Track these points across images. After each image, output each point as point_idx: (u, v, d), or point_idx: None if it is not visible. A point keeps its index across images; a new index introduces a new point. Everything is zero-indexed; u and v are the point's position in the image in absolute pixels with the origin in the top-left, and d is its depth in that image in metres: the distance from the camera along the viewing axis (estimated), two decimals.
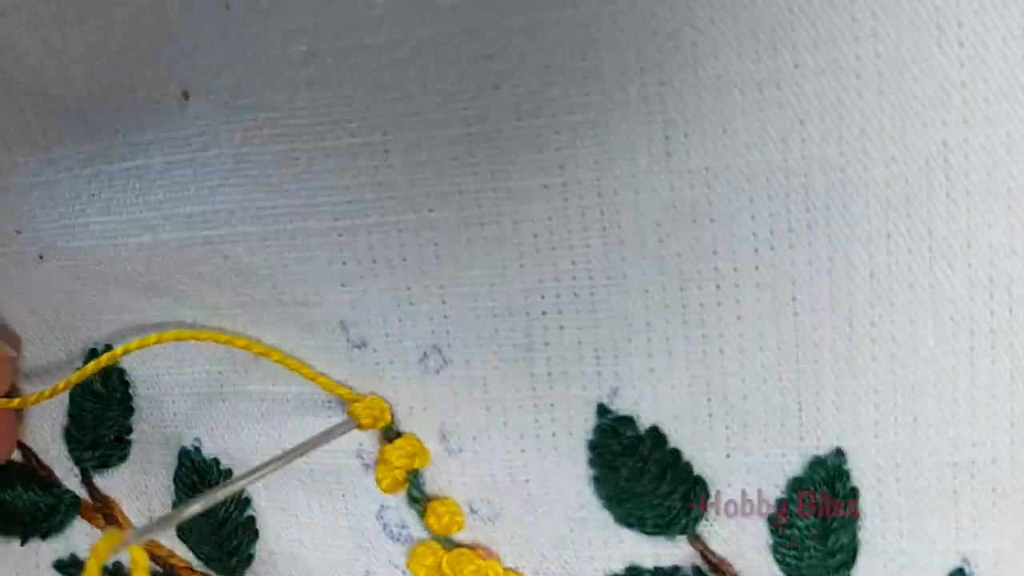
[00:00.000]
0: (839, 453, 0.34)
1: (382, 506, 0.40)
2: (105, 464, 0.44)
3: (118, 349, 0.39)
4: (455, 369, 0.37)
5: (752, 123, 0.31)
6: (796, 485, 0.35)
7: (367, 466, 0.39)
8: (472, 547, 0.39)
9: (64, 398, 0.43)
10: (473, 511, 0.39)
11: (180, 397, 0.42)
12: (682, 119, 0.31)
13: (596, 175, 0.33)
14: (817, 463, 0.34)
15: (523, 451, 0.37)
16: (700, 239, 0.33)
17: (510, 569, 0.39)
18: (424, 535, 0.40)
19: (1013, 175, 0.30)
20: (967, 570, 0.34)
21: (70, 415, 0.44)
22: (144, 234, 0.39)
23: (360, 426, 0.38)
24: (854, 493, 0.34)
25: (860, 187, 0.31)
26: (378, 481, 0.39)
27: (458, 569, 0.39)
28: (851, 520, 0.35)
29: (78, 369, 0.41)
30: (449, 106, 0.33)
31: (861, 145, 0.30)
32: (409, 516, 0.40)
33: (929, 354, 0.32)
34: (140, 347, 0.39)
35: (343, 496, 0.40)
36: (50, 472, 0.45)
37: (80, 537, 0.45)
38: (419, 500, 0.39)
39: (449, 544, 0.39)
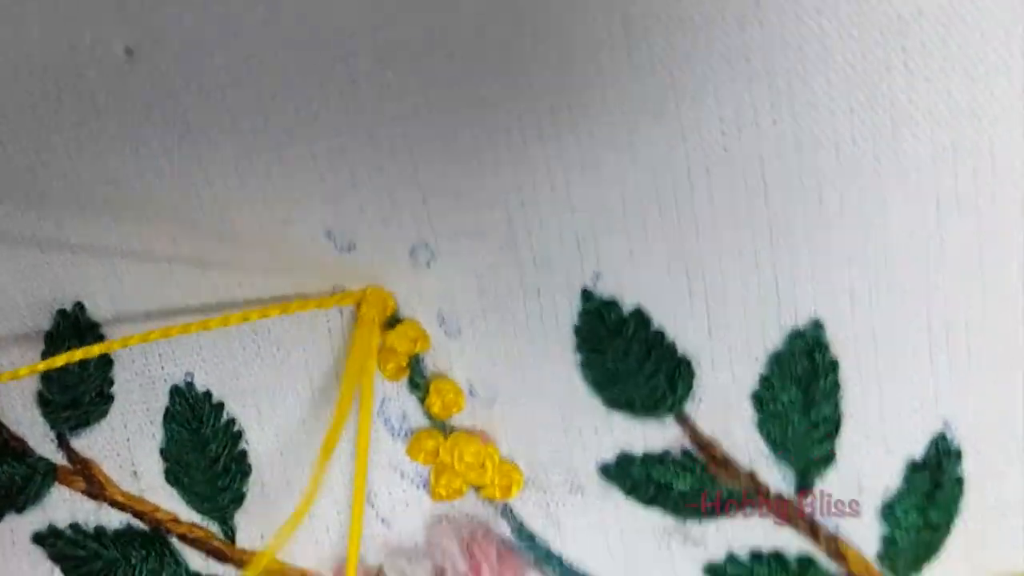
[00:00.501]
0: (817, 324, 0.35)
1: (383, 400, 0.41)
2: (85, 423, 0.43)
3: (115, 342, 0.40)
4: (444, 260, 0.38)
5: (708, 9, 0.31)
6: (777, 359, 0.36)
7: None
8: (471, 432, 0.40)
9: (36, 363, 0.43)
10: (472, 393, 0.40)
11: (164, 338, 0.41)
12: (640, 13, 0.32)
13: (560, 75, 0.33)
14: (796, 335, 0.35)
15: (516, 335, 0.38)
16: (667, 126, 0.33)
17: (506, 460, 0.40)
18: (424, 423, 0.41)
19: (969, 42, 0.30)
20: (949, 433, 0.36)
21: (44, 379, 0.43)
22: (109, 186, 0.39)
23: (367, 318, 0.38)
24: (834, 366, 0.35)
25: (820, 64, 0.31)
26: (382, 368, 0.40)
27: (457, 452, 0.40)
28: (833, 391, 0.36)
29: (46, 332, 0.42)
30: (408, 24, 0.33)
31: (818, 24, 0.31)
32: (410, 405, 0.41)
33: (899, 223, 0.33)
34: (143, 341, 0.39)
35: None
36: (22, 442, 0.44)
37: (58, 505, 0.45)
38: (420, 385, 0.40)
39: (448, 430, 0.41)
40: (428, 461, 0.41)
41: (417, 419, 0.41)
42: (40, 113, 0.38)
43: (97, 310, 0.42)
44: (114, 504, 0.44)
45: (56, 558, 0.45)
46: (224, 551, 0.44)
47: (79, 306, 0.41)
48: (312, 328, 0.40)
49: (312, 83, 0.35)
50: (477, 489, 0.41)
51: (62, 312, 0.42)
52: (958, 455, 0.36)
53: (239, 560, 0.44)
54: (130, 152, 0.38)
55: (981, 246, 0.33)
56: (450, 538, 0.41)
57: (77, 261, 0.41)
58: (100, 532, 0.44)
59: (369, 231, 0.38)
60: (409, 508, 0.42)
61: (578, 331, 0.37)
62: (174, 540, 0.44)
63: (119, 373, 0.42)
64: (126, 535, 0.44)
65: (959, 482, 0.36)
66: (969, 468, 0.36)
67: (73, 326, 0.42)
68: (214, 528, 0.44)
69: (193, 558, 0.44)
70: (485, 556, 0.40)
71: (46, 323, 0.42)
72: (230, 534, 0.44)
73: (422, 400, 0.40)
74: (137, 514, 0.44)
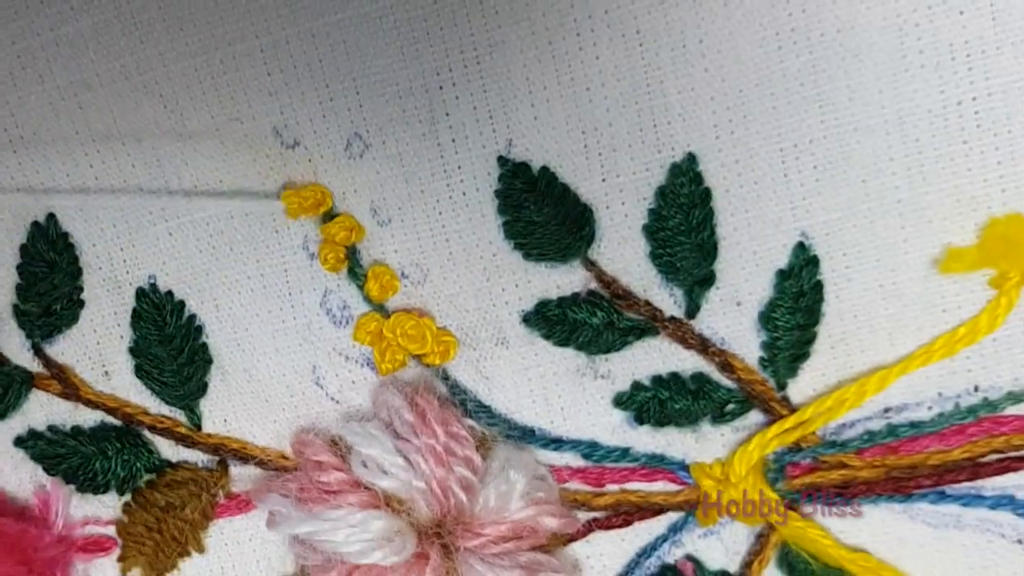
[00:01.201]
0: (691, 157, 0.42)
1: (325, 292, 0.46)
2: (58, 330, 0.48)
3: None
4: (375, 151, 0.44)
5: None
6: (661, 192, 0.42)
7: (312, 255, 0.46)
8: (407, 311, 0.46)
9: (11, 277, 0.48)
10: (405, 276, 0.46)
11: (128, 244, 0.47)
12: None
13: None
14: (675, 169, 0.42)
15: (441, 213, 0.44)
16: None
17: (441, 328, 0.46)
18: (364, 309, 0.46)
19: None
20: (806, 242, 0.42)
21: (19, 290, 0.48)
22: (83, 92, 0.44)
23: (303, 210, 0.44)
24: (707, 193, 0.42)
25: None
26: (323, 260, 0.45)
27: (398, 330, 0.46)
28: (709, 217, 0.42)
29: (22, 245, 0.47)
30: None
31: None
32: (350, 295, 0.46)
33: (748, 58, 0.40)
34: None
35: (290, 294, 0.47)
36: (0, 355, 0.49)
37: (35, 411, 0.50)
38: (359, 274, 0.45)
39: (386, 313, 0.46)
40: (373, 342, 0.46)
41: (357, 307, 0.46)
42: (20, 19, 0.43)
43: (67, 220, 0.46)
44: (88, 403, 0.48)
45: (37, 458, 0.49)
46: (191, 437, 0.49)
47: (51, 217, 0.46)
48: (261, 229, 0.46)
49: None
50: (418, 358, 0.46)
51: (35, 224, 0.46)
52: (816, 261, 0.42)
53: (206, 444, 0.49)
54: (101, 52, 0.43)
55: (815, 74, 0.40)
56: (394, 394, 0.46)
57: (50, 169, 0.45)
58: (77, 431, 0.49)
59: (310, 125, 0.43)
60: (356, 385, 0.47)
61: (499, 194, 0.43)
62: (144, 432, 0.49)
63: (87, 279, 0.47)
64: (101, 431, 0.49)
65: (818, 286, 0.43)
66: (825, 273, 0.43)
67: (45, 237, 0.46)
68: (181, 417, 0.48)
69: (163, 446, 0.49)
70: (429, 404, 0.46)
71: (20, 236, 0.47)
72: (196, 421, 0.48)
73: (361, 287, 0.46)
74: (109, 411, 0.49)
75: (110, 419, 0.49)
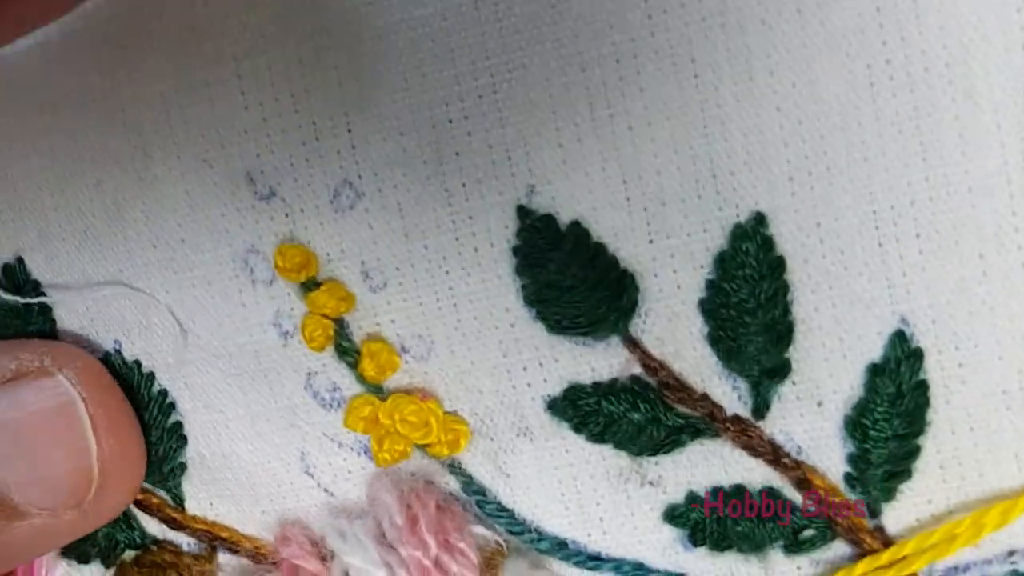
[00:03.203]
0: (759, 217, 0.33)
1: (309, 374, 0.39)
2: None
3: None
4: (368, 201, 0.36)
5: None
6: (722, 259, 0.34)
7: (286, 333, 0.39)
8: (408, 391, 0.38)
9: None
10: (405, 350, 0.38)
11: (93, 301, 0.41)
12: None
13: None
14: (739, 231, 0.34)
15: (448, 272, 0.37)
16: (593, 13, 0.33)
17: (449, 413, 0.38)
18: (357, 390, 0.39)
19: None
20: (907, 331, 0.34)
21: None
22: (48, 115, 0.39)
23: (285, 272, 0.38)
24: (780, 263, 0.34)
25: None
26: (309, 339, 0.38)
27: (396, 415, 0.38)
28: (782, 291, 0.34)
29: None
30: None
31: None
32: (339, 375, 0.39)
33: (832, 96, 0.32)
34: None
35: (265, 376, 0.40)
36: None
37: None
38: (350, 350, 0.38)
39: (383, 394, 0.39)
40: (368, 430, 0.39)
41: (349, 387, 0.39)
42: None
43: (36, 267, 0.41)
44: None
45: None
46: (176, 519, 0.43)
47: (20, 261, 0.41)
48: (225, 302, 0.39)
49: None
50: (423, 448, 0.39)
51: (5, 267, 0.41)
52: (919, 355, 0.34)
53: (192, 528, 0.43)
54: (69, 66, 0.38)
55: (917, 118, 0.32)
56: (388, 491, 0.39)
57: (15, 214, 0.41)
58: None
59: (291, 171, 0.37)
60: (352, 475, 0.40)
61: (517, 251, 0.36)
62: (131, 506, 0.43)
63: (60, 334, 0.42)
64: None
65: (922, 386, 0.34)
66: (932, 371, 0.34)
67: (14, 283, 0.42)
68: (164, 495, 0.43)
69: (149, 523, 0.44)
70: (424, 507, 0.38)
71: None
72: (179, 501, 0.42)
73: (353, 366, 0.38)
74: None
75: None
